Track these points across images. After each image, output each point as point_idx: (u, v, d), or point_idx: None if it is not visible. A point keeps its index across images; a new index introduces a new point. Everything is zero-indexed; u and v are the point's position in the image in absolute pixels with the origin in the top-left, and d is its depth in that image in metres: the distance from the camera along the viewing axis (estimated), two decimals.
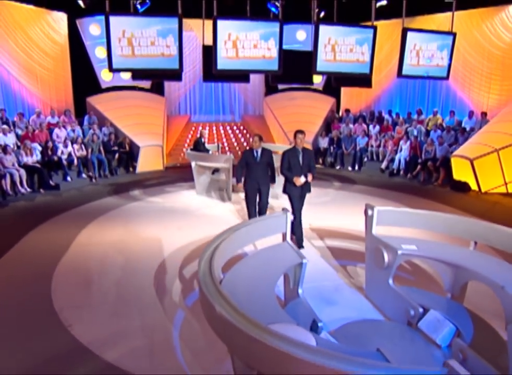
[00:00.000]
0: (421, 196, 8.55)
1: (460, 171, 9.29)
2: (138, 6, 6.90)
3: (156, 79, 9.89)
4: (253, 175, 5.67)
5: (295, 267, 3.49)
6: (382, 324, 3.71)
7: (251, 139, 4.59)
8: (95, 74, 13.18)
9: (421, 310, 3.39)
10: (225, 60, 4.53)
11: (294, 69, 5.36)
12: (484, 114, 11.11)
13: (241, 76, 6.35)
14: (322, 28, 4.58)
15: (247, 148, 5.81)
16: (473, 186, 9.10)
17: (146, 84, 13.91)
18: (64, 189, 9.06)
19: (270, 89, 15.39)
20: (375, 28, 4.73)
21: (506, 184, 9.08)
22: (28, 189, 8.53)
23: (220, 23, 4.41)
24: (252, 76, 15.55)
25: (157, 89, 14.40)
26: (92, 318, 3.83)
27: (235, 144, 14.27)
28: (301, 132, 5.37)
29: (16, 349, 3.35)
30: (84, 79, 12.88)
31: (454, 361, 1.68)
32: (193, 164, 8.70)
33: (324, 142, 12.46)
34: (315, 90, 15.03)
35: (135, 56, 4.42)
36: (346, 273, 4.80)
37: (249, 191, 5.76)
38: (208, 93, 16.14)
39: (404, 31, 4.81)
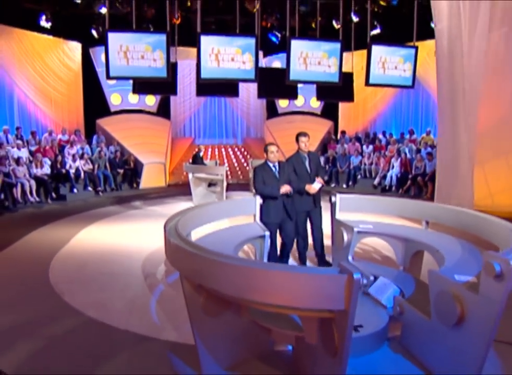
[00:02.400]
0: None
1: None
2: None
3: (153, 93, 10.68)
4: (278, 199, 4.24)
5: (260, 241, 3.94)
6: None
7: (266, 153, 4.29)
8: (105, 98, 14.07)
9: (371, 278, 3.78)
10: (208, 70, 5.18)
11: (280, 84, 5.96)
12: None
13: (230, 89, 7.03)
14: (294, 42, 5.24)
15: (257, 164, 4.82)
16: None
17: (153, 107, 14.77)
18: (71, 200, 9.68)
19: (271, 113, 16.18)
20: (342, 42, 5.35)
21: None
22: (37, 199, 9.15)
23: (203, 38, 5.09)
24: (253, 101, 16.44)
25: (164, 112, 15.23)
26: (82, 290, 4.30)
27: (236, 165, 14.89)
28: (304, 134, 4.56)
29: (10, 310, 3.82)
30: (94, 103, 13.76)
31: (346, 262, 2.10)
32: (190, 176, 9.28)
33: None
34: (314, 114, 15.74)
35: (129, 66, 5.08)
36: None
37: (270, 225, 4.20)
38: (211, 117, 16.96)
39: (370, 44, 5.42)
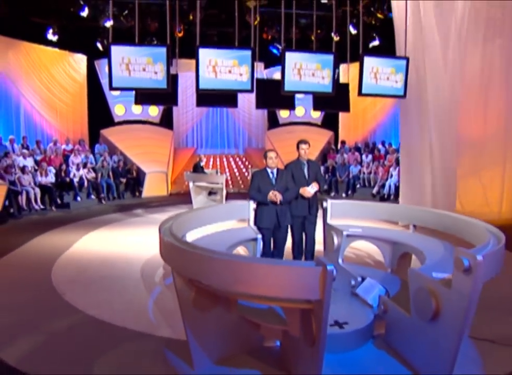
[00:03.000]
0: None
1: None
2: None
3: (154, 103, 10.93)
4: (271, 205, 4.30)
5: (252, 243, 4.11)
6: None
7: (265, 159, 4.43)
8: (109, 109, 14.37)
9: (359, 279, 3.94)
10: (206, 81, 5.41)
11: (277, 95, 6.17)
12: None
13: (229, 100, 7.25)
14: (289, 54, 5.47)
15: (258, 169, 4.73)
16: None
17: (156, 118, 15.06)
18: (74, 207, 9.89)
19: (272, 124, 16.44)
20: (335, 54, 5.57)
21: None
22: (41, 206, 9.38)
23: (201, 51, 5.34)
24: (255, 112, 16.70)
25: (166, 123, 15.51)
26: (82, 291, 4.47)
27: (237, 174, 15.10)
28: (305, 141, 4.73)
29: (14, 308, 4.00)
30: (99, 113, 14.07)
31: (322, 257, 2.26)
32: (190, 184, 9.49)
33: None
34: (314, 125, 15.99)
35: (131, 77, 5.32)
36: None
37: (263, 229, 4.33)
38: (213, 127, 17.25)
39: (362, 56, 5.65)
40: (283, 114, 16.10)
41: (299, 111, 15.98)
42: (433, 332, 2.74)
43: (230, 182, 14.01)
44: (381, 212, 4.55)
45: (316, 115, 15.89)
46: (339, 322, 3.31)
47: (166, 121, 15.50)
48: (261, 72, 14.77)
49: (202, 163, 10.41)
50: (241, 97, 7.27)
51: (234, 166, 15.72)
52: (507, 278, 4.86)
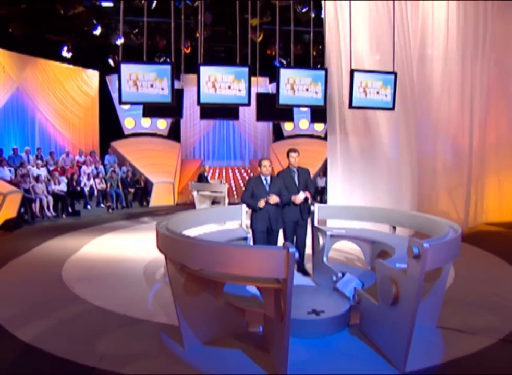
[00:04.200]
0: None
1: None
2: None
3: (161, 116, 11.50)
4: (263, 210, 4.63)
5: (243, 242, 4.50)
6: (310, 289, 4.59)
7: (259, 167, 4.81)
8: (119, 122, 15.00)
9: (340, 274, 4.30)
10: (206, 96, 5.90)
11: (276, 108, 6.64)
12: None
13: (231, 113, 7.76)
14: (283, 71, 5.94)
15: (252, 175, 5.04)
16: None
17: (164, 131, 15.64)
18: (84, 215, 10.40)
19: (277, 136, 16.94)
20: (326, 70, 6.03)
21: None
22: (53, 213, 9.90)
23: (202, 68, 5.83)
24: (260, 125, 17.20)
25: (174, 136, 16.08)
26: (89, 285, 4.90)
27: (242, 185, 15.54)
28: (294, 150, 5.15)
29: (28, 298, 4.43)
30: (109, 126, 14.70)
31: (288, 243, 2.65)
32: (195, 193, 9.94)
33: (322, 182, 13.57)
34: (318, 137, 16.43)
35: (138, 92, 5.83)
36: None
37: (257, 232, 4.70)
38: (220, 140, 17.80)
39: (352, 72, 6.09)
40: (287, 127, 16.59)
41: (303, 124, 16.47)
42: (394, 315, 3.11)
43: (235, 192, 14.46)
44: (363, 214, 4.92)
45: (320, 128, 16.35)
46: (316, 310, 3.69)
47: (174, 133, 16.08)
48: (267, 86, 15.33)
49: (206, 173, 10.86)
50: (246, 110, 7.72)
51: (239, 177, 16.18)
52: (483, 277, 5.21)
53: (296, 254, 2.47)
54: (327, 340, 3.52)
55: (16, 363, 3.12)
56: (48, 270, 5.54)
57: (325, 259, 4.76)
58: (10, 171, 10.24)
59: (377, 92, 6.36)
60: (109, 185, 11.85)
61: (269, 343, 3.20)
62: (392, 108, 6.51)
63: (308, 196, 4.93)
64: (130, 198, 12.36)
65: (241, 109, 7.35)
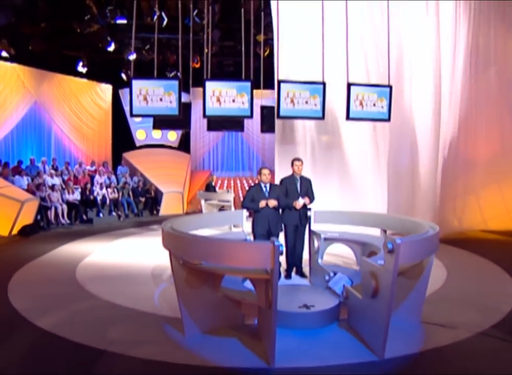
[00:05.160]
0: None
1: None
2: None
3: (170, 128, 12.03)
4: (263, 215, 4.96)
5: None
6: (304, 287, 4.91)
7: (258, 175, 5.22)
8: (131, 134, 15.57)
9: (332, 274, 4.62)
10: (211, 109, 6.32)
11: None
12: None
13: (236, 125, 8.18)
14: (283, 85, 6.35)
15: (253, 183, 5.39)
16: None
17: (174, 143, 16.16)
18: (97, 223, 10.86)
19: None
20: (323, 84, 6.41)
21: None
22: (68, 221, 10.37)
23: (208, 83, 6.27)
24: (268, 137, 17.62)
25: (184, 147, 16.59)
26: (100, 284, 5.28)
27: None
28: (298, 159, 5.45)
29: (45, 293, 4.83)
30: (121, 138, 15.27)
31: (274, 238, 2.99)
32: (202, 202, 10.34)
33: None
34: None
35: (148, 106, 6.29)
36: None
37: (258, 236, 4.97)
38: (229, 151, 18.25)
39: (349, 85, 6.46)
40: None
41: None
42: (374, 307, 3.42)
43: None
44: (356, 219, 5.24)
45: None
46: (307, 304, 4.01)
47: (184, 145, 16.59)
48: (273, 99, 15.77)
49: (213, 183, 11.27)
50: (254, 123, 8.06)
51: (247, 188, 16.58)
52: (473, 279, 5.47)
53: (282, 248, 2.81)
54: (316, 332, 3.83)
55: (39, 346, 3.53)
56: (63, 271, 5.95)
57: (320, 260, 5.08)
58: (27, 180, 10.77)
59: (374, 105, 6.73)
60: (120, 194, 12.31)
61: (261, 331, 3.53)
62: (388, 119, 6.86)
63: (307, 202, 5.27)
64: (140, 207, 12.80)
65: (248, 121, 7.76)
